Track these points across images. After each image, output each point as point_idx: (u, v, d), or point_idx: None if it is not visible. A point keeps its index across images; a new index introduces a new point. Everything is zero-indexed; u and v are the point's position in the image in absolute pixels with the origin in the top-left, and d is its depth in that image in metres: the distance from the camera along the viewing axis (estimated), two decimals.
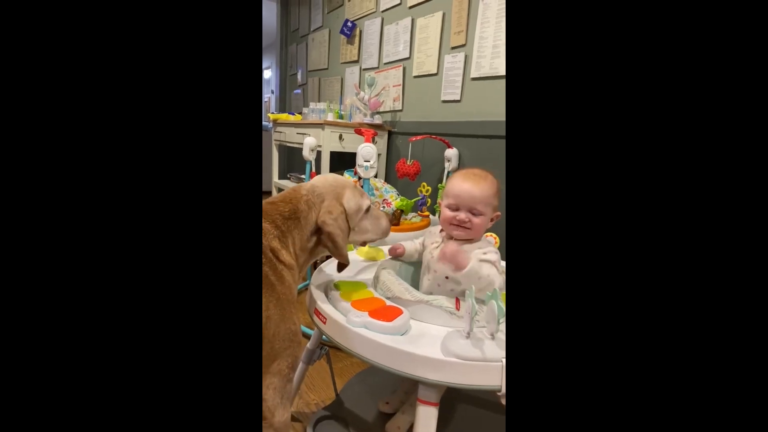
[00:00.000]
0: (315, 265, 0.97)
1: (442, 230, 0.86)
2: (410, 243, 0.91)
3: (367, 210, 0.81)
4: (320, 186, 0.77)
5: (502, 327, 0.64)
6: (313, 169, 1.78)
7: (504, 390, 0.59)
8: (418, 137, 1.79)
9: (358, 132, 1.49)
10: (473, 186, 0.77)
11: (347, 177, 1.64)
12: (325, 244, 0.75)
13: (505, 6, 1.57)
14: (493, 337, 0.62)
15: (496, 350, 0.60)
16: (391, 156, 2.25)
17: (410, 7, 2.07)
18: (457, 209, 0.78)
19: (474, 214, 0.77)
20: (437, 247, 0.81)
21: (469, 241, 0.80)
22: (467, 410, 0.99)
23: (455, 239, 0.79)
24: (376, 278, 0.83)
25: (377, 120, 2.17)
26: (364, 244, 0.87)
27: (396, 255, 0.91)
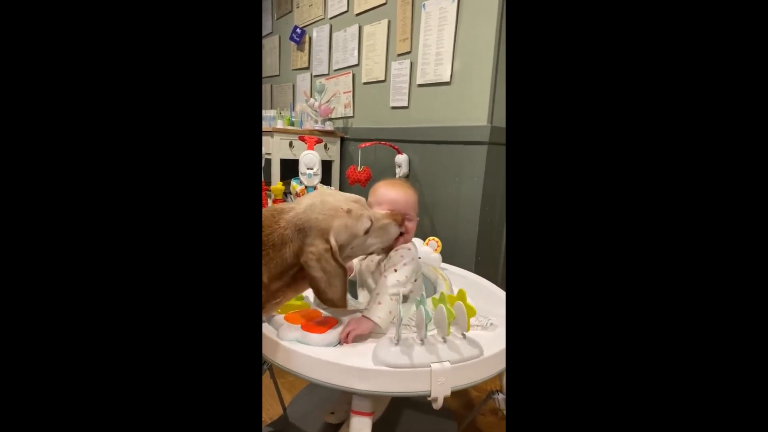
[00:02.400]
0: None
1: None
2: (356, 259, 0.88)
3: (368, 230, 0.69)
4: (304, 217, 0.63)
5: (433, 332, 0.65)
6: (262, 178, 1.74)
7: (433, 395, 0.59)
8: (367, 144, 1.79)
9: (302, 139, 1.47)
10: (405, 194, 0.79)
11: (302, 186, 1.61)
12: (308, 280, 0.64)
13: (445, 15, 1.61)
14: (422, 342, 0.62)
15: (425, 356, 0.60)
16: (345, 162, 2.24)
17: (357, 15, 2.08)
18: None
19: (408, 220, 0.79)
20: (364, 258, 0.81)
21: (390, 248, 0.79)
22: (416, 418, 0.99)
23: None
24: None
25: (329, 127, 2.16)
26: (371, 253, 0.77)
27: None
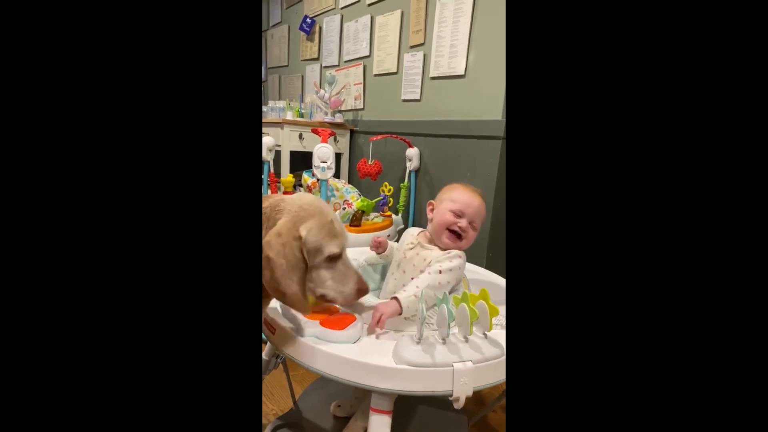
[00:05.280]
0: None
1: (420, 232, 0.87)
2: (392, 242, 0.93)
3: (333, 259, 0.63)
4: (286, 202, 0.61)
5: (454, 330, 0.64)
6: (272, 170, 1.73)
7: (455, 394, 0.58)
8: (379, 137, 1.78)
9: (315, 132, 1.45)
10: (481, 202, 0.82)
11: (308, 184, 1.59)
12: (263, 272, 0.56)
13: (461, 6, 1.58)
14: (444, 341, 0.61)
15: (447, 355, 0.59)
16: (354, 155, 2.22)
17: (369, 5, 2.05)
18: (461, 216, 0.80)
19: (473, 227, 0.81)
20: (411, 248, 0.83)
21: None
22: (425, 411, 0.98)
23: (446, 244, 0.81)
24: None
25: (339, 119, 2.14)
26: (321, 298, 0.66)
27: (377, 247, 0.90)
